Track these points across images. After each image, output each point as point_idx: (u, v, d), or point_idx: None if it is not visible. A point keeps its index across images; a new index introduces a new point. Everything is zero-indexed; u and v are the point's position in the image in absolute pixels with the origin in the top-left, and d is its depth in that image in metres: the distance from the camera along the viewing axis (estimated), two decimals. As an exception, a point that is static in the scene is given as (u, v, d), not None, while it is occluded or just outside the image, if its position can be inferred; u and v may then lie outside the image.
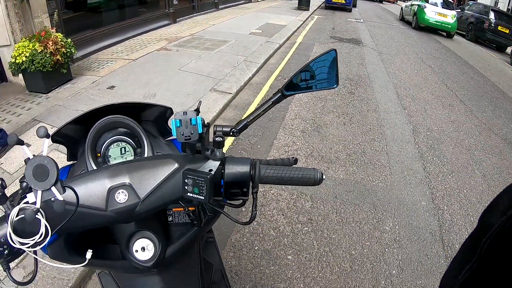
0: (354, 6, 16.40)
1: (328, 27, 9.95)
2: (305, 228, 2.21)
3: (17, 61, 3.37)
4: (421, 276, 1.94)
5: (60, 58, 3.59)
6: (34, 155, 0.47)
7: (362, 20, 12.59)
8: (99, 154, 0.74)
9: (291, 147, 3.18)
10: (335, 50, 0.68)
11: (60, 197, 0.47)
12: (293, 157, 0.68)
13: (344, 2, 14.19)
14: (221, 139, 0.60)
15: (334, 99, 4.46)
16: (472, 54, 9.17)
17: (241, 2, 12.92)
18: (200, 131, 0.57)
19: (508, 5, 17.71)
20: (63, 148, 2.16)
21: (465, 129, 4.05)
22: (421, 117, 4.22)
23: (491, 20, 11.09)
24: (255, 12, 10.93)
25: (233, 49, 5.98)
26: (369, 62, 6.52)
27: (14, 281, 0.50)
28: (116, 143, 0.75)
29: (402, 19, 14.12)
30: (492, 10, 11.69)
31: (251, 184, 0.61)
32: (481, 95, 5.50)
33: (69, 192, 0.49)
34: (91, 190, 0.54)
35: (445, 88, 5.59)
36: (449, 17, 11.01)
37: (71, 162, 0.78)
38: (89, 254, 0.59)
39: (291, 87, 0.70)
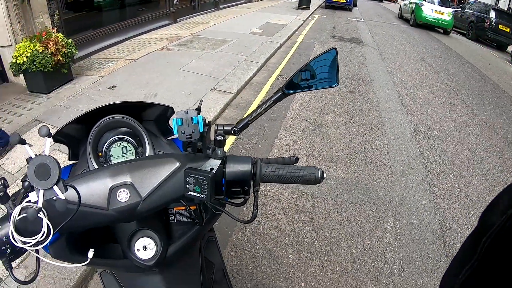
0: (355, 5, 16.36)
1: (328, 27, 9.94)
2: (306, 227, 2.21)
3: (18, 62, 3.38)
4: (422, 275, 1.93)
5: (61, 58, 3.60)
6: (36, 154, 0.47)
7: (362, 19, 12.57)
8: (100, 154, 0.74)
9: (292, 146, 3.18)
10: (335, 49, 0.68)
11: (62, 196, 0.47)
12: (294, 156, 0.68)
13: (344, 1, 14.17)
14: (222, 137, 0.60)
15: (335, 98, 4.46)
16: (472, 53, 9.15)
17: (242, 1, 12.92)
18: (201, 129, 0.57)
19: (509, 4, 17.66)
20: (64, 148, 2.16)
21: (466, 128, 4.05)
22: (422, 116, 4.21)
23: (492, 19, 11.08)
24: (255, 12, 10.93)
25: (234, 49, 5.97)
26: (369, 61, 6.52)
27: (16, 280, 0.50)
28: (118, 143, 0.75)
29: (401, 17, 14.38)
30: (493, 8, 11.68)
31: (252, 182, 0.61)
32: (482, 94, 5.49)
33: (71, 191, 0.49)
34: (93, 189, 0.54)
35: (446, 87, 5.58)
36: (446, 14, 11.46)
37: (73, 162, 0.78)
38: (90, 253, 0.59)
39: (292, 86, 0.70)
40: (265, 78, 4.96)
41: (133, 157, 0.76)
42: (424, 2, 11.81)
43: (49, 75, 3.61)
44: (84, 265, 0.60)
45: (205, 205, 0.70)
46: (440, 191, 2.73)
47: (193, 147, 0.61)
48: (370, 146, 3.32)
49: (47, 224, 0.47)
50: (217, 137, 0.60)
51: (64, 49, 3.62)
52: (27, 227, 0.48)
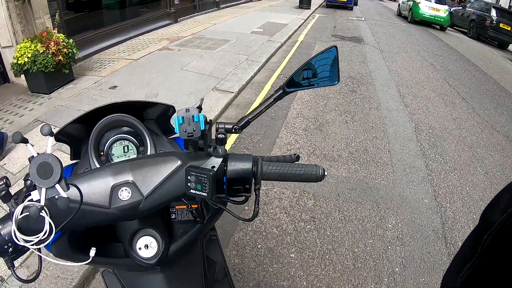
0: (355, 4, 16.36)
1: (329, 26, 9.93)
2: (308, 226, 2.21)
3: (19, 62, 3.39)
4: (424, 274, 1.93)
5: (62, 59, 3.61)
6: (38, 153, 0.47)
7: (363, 18, 12.55)
8: (102, 153, 0.74)
9: (293, 145, 3.17)
10: (335, 47, 0.68)
11: (64, 194, 0.47)
12: (295, 154, 0.68)
13: (345, 0, 14.18)
14: (224, 136, 0.60)
15: (336, 97, 4.45)
16: (473, 52, 9.12)
17: (242, 1, 12.91)
18: (202, 128, 0.57)
19: (510, 2, 17.57)
20: (66, 148, 2.17)
21: (467, 127, 4.04)
22: (423, 115, 4.21)
23: (493, 17, 11.05)
24: (256, 11, 10.92)
25: (235, 48, 5.97)
26: (370, 60, 6.51)
27: (19, 279, 0.51)
28: (119, 142, 0.75)
29: (399, 14, 14.74)
30: (494, 7, 11.64)
31: (253, 180, 0.61)
32: (483, 93, 5.48)
33: (73, 189, 0.49)
34: (95, 188, 0.54)
35: (447, 85, 5.57)
36: (442, 11, 11.87)
37: (75, 161, 0.78)
38: (92, 252, 0.59)
39: (293, 84, 0.70)
40: (266, 77, 4.96)
41: (135, 156, 0.76)
42: (421, 0, 12.10)
43: (50, 76, 3.61)
44: (86, 264, 0.60)
45: (206, 204, 0.70)
46: (442, 190, 2.73)
47: (194, 145, 0.61)
48: (371, 145, 3.32)
49: (49, 223, 0.47)
50: (218, 135, 0.60)
51: (65, 50, 3.63)
52: (29, 226, 0.48)
